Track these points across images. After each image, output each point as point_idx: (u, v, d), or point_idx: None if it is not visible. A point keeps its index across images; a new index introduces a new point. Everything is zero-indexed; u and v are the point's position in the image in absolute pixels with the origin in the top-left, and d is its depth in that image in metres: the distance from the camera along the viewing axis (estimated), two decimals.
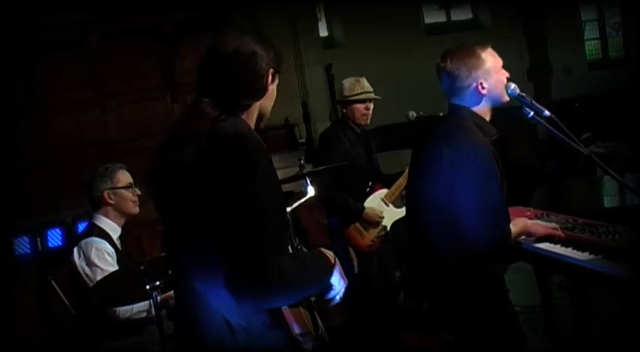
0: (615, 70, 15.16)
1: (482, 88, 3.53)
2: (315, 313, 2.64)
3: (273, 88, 2.66)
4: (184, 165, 2.45)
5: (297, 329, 2.47)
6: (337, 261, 2.67)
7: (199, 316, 2.50)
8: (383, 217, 5.72)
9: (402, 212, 5.70)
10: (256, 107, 2.63)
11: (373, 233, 5.72)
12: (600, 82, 13.92)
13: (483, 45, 3.64)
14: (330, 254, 2.67)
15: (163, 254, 3.84)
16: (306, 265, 2.52)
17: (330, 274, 2.61)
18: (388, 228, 5.74)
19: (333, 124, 6.22)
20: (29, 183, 9.61)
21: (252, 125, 2.62)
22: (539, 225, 3.72)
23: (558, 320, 5.45)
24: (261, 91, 2.61)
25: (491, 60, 3.59)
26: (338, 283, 2.64)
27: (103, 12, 10.43)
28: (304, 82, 12.43)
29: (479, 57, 3.55)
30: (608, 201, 5.11)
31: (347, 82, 5.79)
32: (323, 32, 13.77)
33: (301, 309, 2.53)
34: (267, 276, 2.30)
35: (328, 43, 13.61)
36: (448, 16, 15.14)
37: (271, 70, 2.62)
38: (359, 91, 5.72)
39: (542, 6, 14.54)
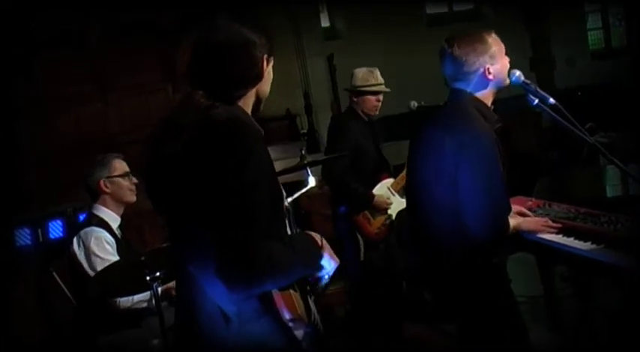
0: (618, 60, 15.10)
1: (489, 73, 3.52)
2: (309, 299, 2.63)
3: (269, 71, 2.63)
4: (177, 155, 2.43)
5: (287, 315, 2.47)
6: (325, 242, 2.66)
7: (195, 304, 2.51)
8: (391, 204, 5.77)
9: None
10: (252, 93, 2.60)
11: (380, 220, 5.77)
12: (603, 72, 13.89)
13: (488, 30, 3.64)
14: (317, 236, 2.66)
15: (164, 244, 3.85)
16: (295, 249, 2.50)
17: (319, 256, 2.61)
18: (393, 217, 5.78)
19: (343, 113, 6.29)
20: (29, 183, 9.61)
21: (249, 110, 2.59)
22: (530, 223, 3.70)
23: (561, 311, 5.45)
24: (258, 78, 2.57)
25: (496, 45, 3.59)
26: (328, 264, 2.64)
27: (102, 10, 10.42)
28: (306, 72, 12.42)
29: (486, 42, 3.55)
30: (611, 191, 5.11)
31: (360, 72, 5.85)
32: (325, 23, 13.73)
33: (292, 295, 2.52)
34: (256, 263, 2.29)
35: (330, 33, 13.57)
36: (450, 6, 15.09)
37: (265, 56, 2.59)
38: (372, 83, 5.80)
39: None
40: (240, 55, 2.52)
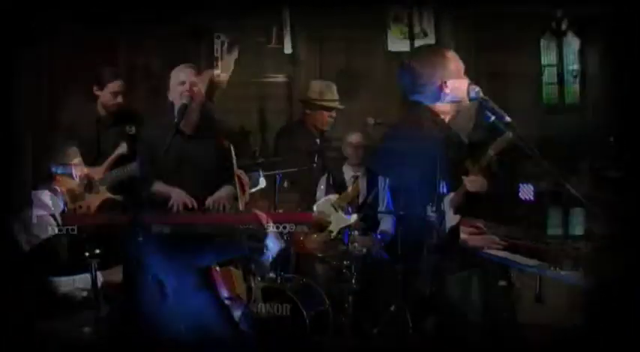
0: (571, 115, 15.36)
1: (446, 86, 3.56)
2: (253, 280, 2.65)
3: (228, 60, 2.69)
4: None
5: (225, 294, 2.48)
6: (271, 224, 2.69)
7: (138, 281, 2.52)
8: (330, 222, 5.66)
9: (349, 219, 5.71)
10: (207, 76, 2.64)
11: (318, 237, 5.65)
12: (555, 126, 14.12)
13: (448, 48, 3.72)
14: (263, 216, 2.69)
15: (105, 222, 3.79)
16: None
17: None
18: (335, 234, 5.71)
19: (292, 124, 6.26)
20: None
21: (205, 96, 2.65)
22: (477, 239, 3.74)
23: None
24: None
25: (455, 61, 3.65)
26: (273, 244, 2.66)
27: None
28: (262, 92, 12.44)
29: (445, 57, 3.62)
30: (554, 231, 5.17)
31: (316, 85, 5.85)
32: (287, 49, 13.76)
33: (233, 272, 2.55)
34: None
35: (290, 57, 13.62)
36: (412, 45, 15.24)
37: (225, 41, 2.64)
38: (329, 98, 5.77)
39: (502, 46, 14.73)
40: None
